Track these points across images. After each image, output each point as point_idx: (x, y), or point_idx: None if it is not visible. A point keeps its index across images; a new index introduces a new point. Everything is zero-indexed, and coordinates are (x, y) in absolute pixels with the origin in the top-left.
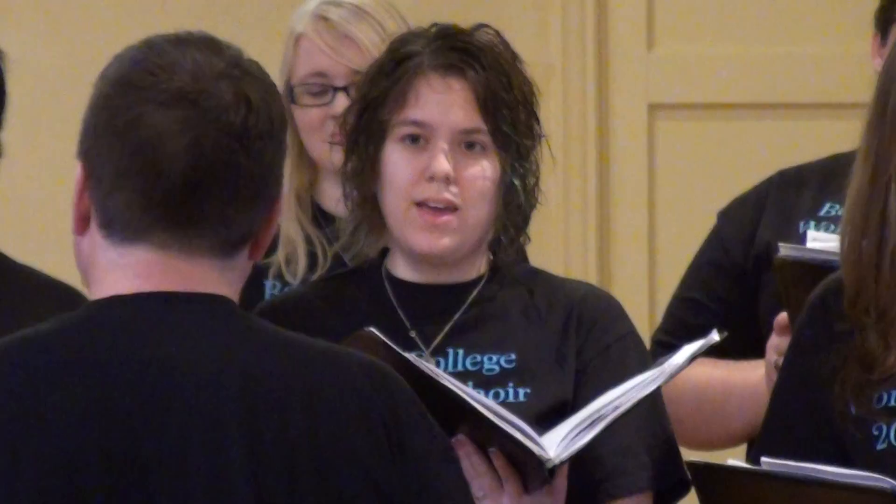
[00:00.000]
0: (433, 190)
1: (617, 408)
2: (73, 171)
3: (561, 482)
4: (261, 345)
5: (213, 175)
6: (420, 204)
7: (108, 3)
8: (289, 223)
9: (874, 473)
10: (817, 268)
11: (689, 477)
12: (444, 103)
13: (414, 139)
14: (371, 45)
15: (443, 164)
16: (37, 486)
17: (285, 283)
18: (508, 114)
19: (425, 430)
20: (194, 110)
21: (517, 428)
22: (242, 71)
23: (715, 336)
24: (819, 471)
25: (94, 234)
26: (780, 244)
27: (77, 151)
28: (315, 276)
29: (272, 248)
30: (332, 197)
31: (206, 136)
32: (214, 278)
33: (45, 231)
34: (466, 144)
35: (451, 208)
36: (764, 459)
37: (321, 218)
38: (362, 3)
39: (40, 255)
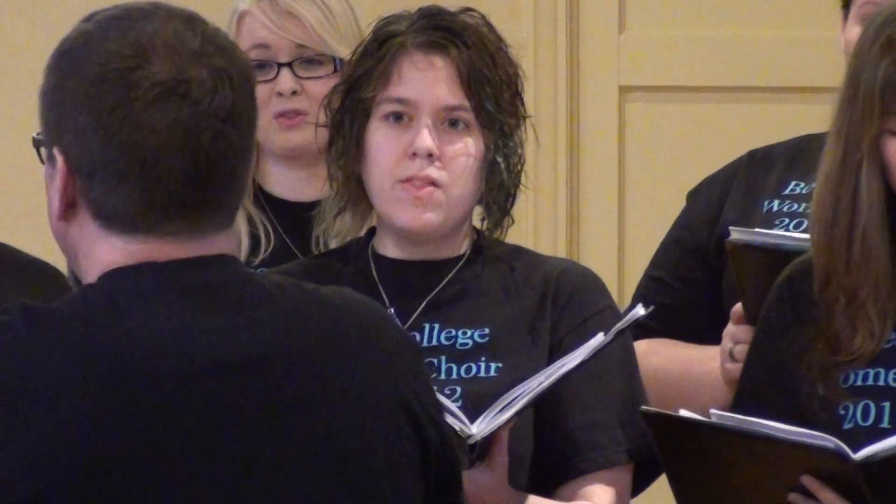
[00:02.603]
0: (417, 167)
1: (541, 383)
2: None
3: (499, 459)
4: (277, 303)
5: (211, 165)
6: (404, 181)
7: None
8: None
9: (820, 432)
10: (767, 251)
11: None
12: (427, 80)
13: (398, 117)
14: (315, 20)
15: (426, 141)
16: (40, 454)
17: None
18: (492, 92)
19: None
20: (182, 103)
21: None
22: (216, 47)
23: (640, 311)
24: (766, 426)
25: (86, 223)
26: (732, 228)
27: (46, 139)
28: (258, 258)
29: None
30: (276, 180)
31: (199, 129)
32: (221, 246)
33: (25, 214)
34: (450, 122)
35: (435, 184)
36: (713, 412)
37: (263, 201)
38: None
39: (21, 236)
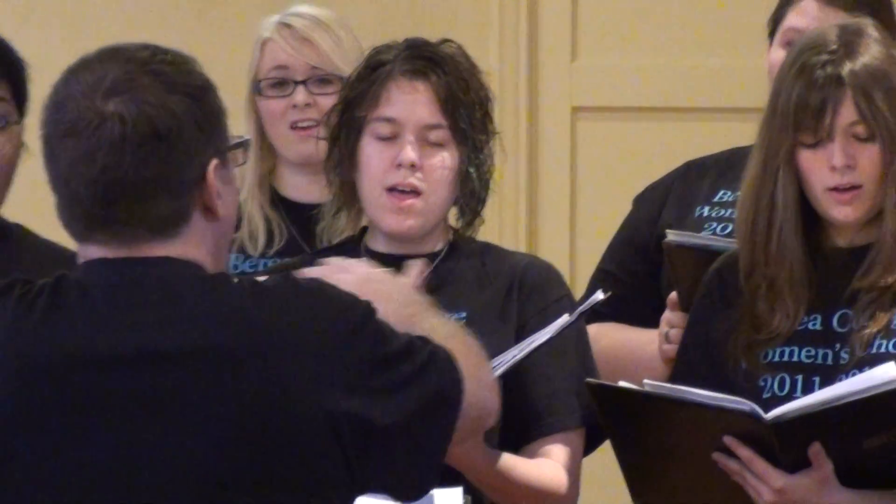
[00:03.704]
0: (401, 175)
1: (515, 356)
2: None
3: None
4: (215, 295)
5: (108, 187)
6: (391, 189)
7: (123, 7)
8: (251, 205)
9: (738, 397)
10: (697, 250)
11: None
12: (410, 102)
13: (386, 139)
14: (327, 47)
15: (410, 154)
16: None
17: (248, 256)
18: (465, 112)
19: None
20: (82, 138)
21: None
22: (130, 85)
23: (599, 295)
24: (691, 393)
25: None
26: (668, 231)
27: None
28: (272, 251)
29: (237, 226)
30: (289, 184)
31: (96, 159)
32: (166, 250)
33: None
34: (430, 138)
35: (416, 192)
36: (646, 382)
37: (278, 201)
38: (320, 15)
39: (56, 232)
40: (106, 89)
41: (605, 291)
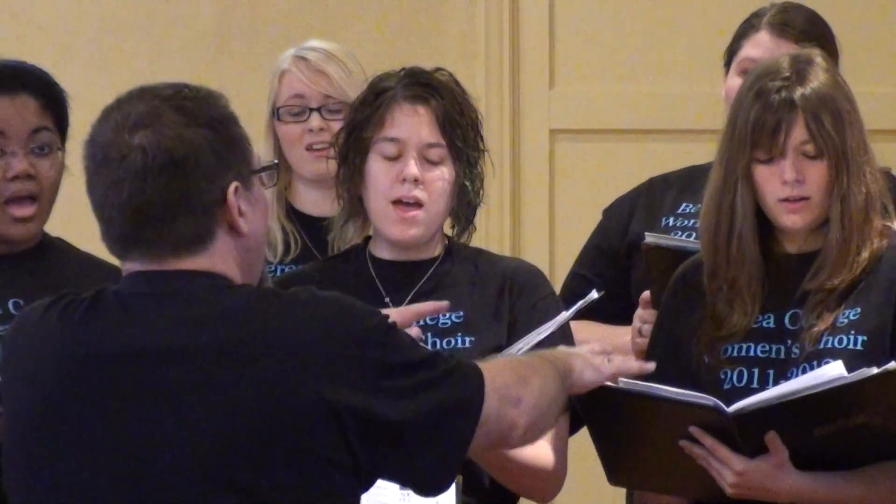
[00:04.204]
0: (406, 189)
1: (521, 348)
2: None
3: None
4: (236, 302)
5: (136, 211)
6: (396, 202)
7: (153, 43)
8: (270, 218)
9: (703, 393)
10: (673, 251)
11: None
12: (413, 124)
13: (391, 157)
14: (338, 78)
15: (413, 169)
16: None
17: (267, 263)
18: (461, 132)
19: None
20: (111, 169)
21: None
22: (153, 119)
23: (594, 294)
24: (661, 389)
25: None
26: (647, 233)
27: None
28: (288, 259)
29: None
30: (303, 198)
31: (123, 187)
32: (192, 263)
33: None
34: (430, 155)
35: (419, 204)
36: (621, 379)
37: (293, 214)
38: (331, 49)
39: (95, 246)
40: (132, 124)
41: (576, 295)
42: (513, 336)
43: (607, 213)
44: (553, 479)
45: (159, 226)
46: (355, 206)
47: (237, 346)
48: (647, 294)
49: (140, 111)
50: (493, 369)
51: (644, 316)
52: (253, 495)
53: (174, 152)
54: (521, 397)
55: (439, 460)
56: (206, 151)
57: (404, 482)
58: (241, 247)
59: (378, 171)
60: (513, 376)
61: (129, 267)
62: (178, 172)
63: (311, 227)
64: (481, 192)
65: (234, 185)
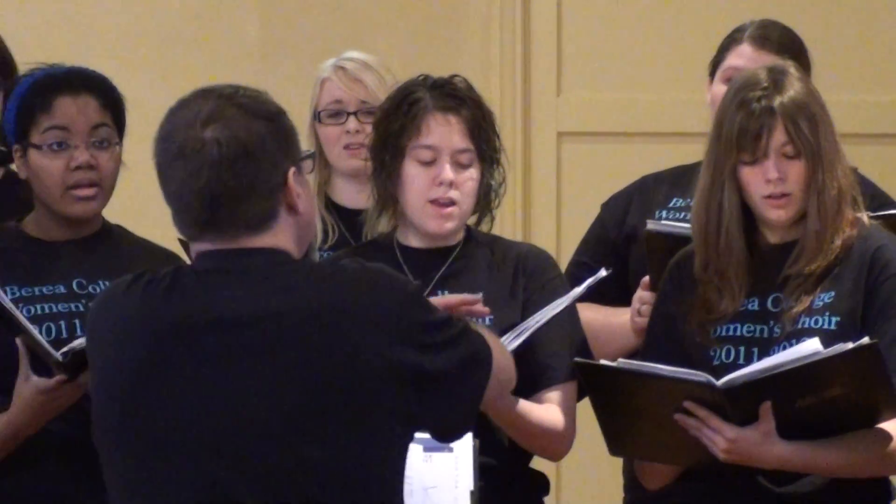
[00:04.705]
0: (441, 191)
1: (537, 322)
2: None
3: None
4: (301, 273)
5: (213, 196)
6: (432, 201)
7: (204, 52)
8: None
9: (694, 369)
10: (673, 237)
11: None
12: (445, 132)
13: (427, 162)
14: (373, 85)
15: (448, 174)
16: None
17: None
18: (485, 137)
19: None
20: (189, 160)
21: None
22: (221, 115)
23: (603, 272)
24: (658, 368)
25: None
26: (648, 221)
27: None
28: (326, 246)
29: None
30: (341, 192)
31: (201, 175)
32: (261, 241)
33: (155, 220)
34: (461, 159)
35: (453, 202)
36: (620, 360)
37: (331, 206)
38: (367, 59)
39: (149, 232)
40: (203, 120)
41: (577, 280)
42: (526, 312)
43: (606, 206)
44: (564, 439)
45: (233, 208)
46: (386, 201)
47: (307, 312)
48: (646, 278)
49: (207, 108)
50: (484, 334)
51: (643, 297)
52: (328, 448)
53: (245, 142)
54: (508, 356)
55: (464, 407)
56: (269, 140)
57: (432, 429)
58: (297, 223)
59: (415, 174)
60: (495, 341)
61: (201, 247)
62: (249, 160)
63: (347, 218)
64: (503, 187)
65: (292, 169)
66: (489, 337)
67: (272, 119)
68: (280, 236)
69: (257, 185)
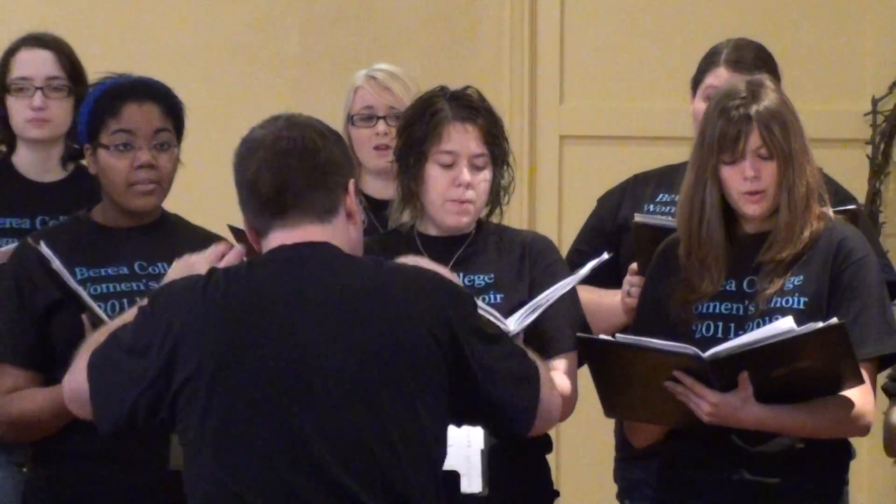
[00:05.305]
0: (460, 192)
1: (548, 300)
2: (220, 176)
3: (519, 343)
4: (355, 268)
5: (285, 181)
6: (451, 200)
7: (253, 65)
8: None
9: (679, 342)
10: (658, 228)
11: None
12: (464, 139)
13: (447, 165)
14: (400, 93)
15: (466, 177)
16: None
17: None
18: (497, 142)
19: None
20: (265, 151)
21: (491, 314)
22: (294, 122)
23: (605, 255)
24: (650, 342)
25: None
26: (636, 213)
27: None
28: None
29: None
30: (370, 186)
31: (273, 164)
32: (320, 233)
33: (209, 207)
34: (476, 163)
35: (469, 201)
36: (618, 335)
37: (364, 198)
38: (395, 70)
39: (203, 222)
40: (279, 128)
41: (575, 265)
42: (532, 293)
43: (601, 201)
44: (569, 401)
45: (300, 193)
46: (410, 198)
47: (376, 289)
48: (635, 264)
49: (283, 118)
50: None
51: (633, 281)
52: (397, 405)
53: (317, 141)
54: (555, 388)
55: (515, 412)
56: (335, 148)
57: (485, 423)
58: (351, 232)
59: (436, 176)
60: (545, 370)
61: (271, 241)
62: (318, 156)
63: (375, 209)
64: (511, 185)
65: (352, 180)
66: (542, 368)
67: (335, 135)
68: (337, 234)
69: (323, 179)
